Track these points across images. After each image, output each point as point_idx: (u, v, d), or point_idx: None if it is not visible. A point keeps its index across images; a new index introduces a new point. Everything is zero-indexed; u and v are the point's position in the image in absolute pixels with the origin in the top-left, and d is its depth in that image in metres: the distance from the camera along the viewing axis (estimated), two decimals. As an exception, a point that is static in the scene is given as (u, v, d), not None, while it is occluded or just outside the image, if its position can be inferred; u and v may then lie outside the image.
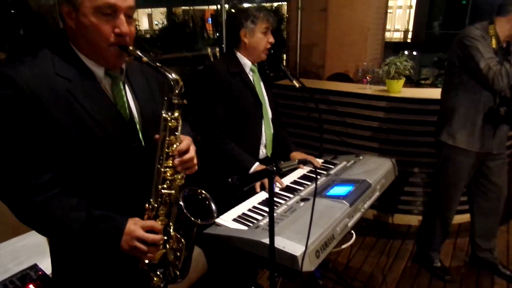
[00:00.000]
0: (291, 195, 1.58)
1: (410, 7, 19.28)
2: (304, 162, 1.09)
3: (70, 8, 0.93)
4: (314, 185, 1.68)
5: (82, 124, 0.96)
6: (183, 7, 20.53)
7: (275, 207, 1.49)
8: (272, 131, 1.92)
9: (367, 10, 4.60)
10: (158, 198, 1.02)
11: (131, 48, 0.97)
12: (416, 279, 2.44)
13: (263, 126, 1.87)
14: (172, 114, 0.99)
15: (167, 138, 0.99)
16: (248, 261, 1.27)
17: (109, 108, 1.01)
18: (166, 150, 0.99)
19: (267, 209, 1.46)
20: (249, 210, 1.49)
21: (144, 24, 22.87)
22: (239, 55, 1.80)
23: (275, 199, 1.58)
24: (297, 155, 1.94)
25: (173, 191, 1.02)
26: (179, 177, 1.02)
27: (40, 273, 1.69)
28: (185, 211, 1.00)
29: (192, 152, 1.04)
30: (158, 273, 1.07)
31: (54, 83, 0.94)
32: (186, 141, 1.03)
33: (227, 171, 1.46)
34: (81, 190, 1.00)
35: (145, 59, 0.97)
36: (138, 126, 1.06)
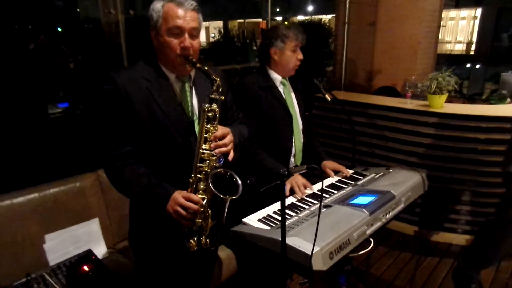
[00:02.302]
0: (315, 201, 1.69)
1: (475, 18, 18.27)
2: (313, 169, 1.20)
3: (155, 32, 1.32)
4: (339, 193, 1.77)
5: (153, 113, 1.30)
6: (238, 20, 21.30)
7: (297, 211, 1.61)
8: (302, 141, 2.03)
9: (418, 25, 4.55)
10: (197, 174, 1.27)
11: (190, 57, 1.29)
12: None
13: (293, 137, 1.98)
14: (210, 106, 1.25)
15: (205, 126, 1.25)
16: (267, 259, 1.39)
17: (175, 104, 1.34)
18: (205, 135, 1.25)
19: (291, 213, 1.59)
20: (274, 212, 1.61)
21: (202, 37, 24.02)
22: (270, 70, 1.94)
23: (300, 204, 1.70)
24: (328, 164, 2.03)
25: (208, 169, 1.26)
26: (214, 158, 1.26)
27: (93, 257, 1.94)
28: (211, 186, 1.20)
29: (226, 140, 1.30)
30: (194, 238, 1.29)
31: (140, 83, 1.31)
32: (222, 130, 1.29)
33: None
34: (148, 163, 1.33)
35: (198, 65, 1.29)
36: (195, 120, 1.37)
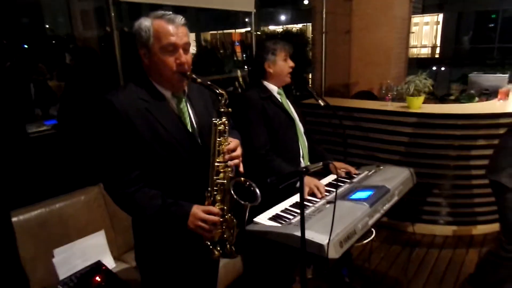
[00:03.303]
0: (317, 199, 1.81)
1: (437, 23, 19.23)
2: (327, 165, 1.32)
3: (145, 50, 1.29)
4: (338, 190, 1.91)
5: (156, 133, 1.29)
6: (211, 32, 21.45)
7: (305, 209, 1.73)
8: (306, 143, 2.17)
9: (389, 32, 4.84)
10: (214, 186, 1.29)
11: (189, 73, 1.29)
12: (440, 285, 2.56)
13: (298, 140, 2.13)
14: (220, 120, 1.27)
15: (218, 139, 1.27)
16: (282, 254, 1.50)
17: (175, 120, 1.34)
18: (218, 148, 1.27)
19: (297, 210, 1.71)
20: (282, 211, 1.73)
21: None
22: (266, 83, 2.08)
23: (306, 202, 1.82)
24: (337, 164, 2.16)
25: (224, 181, 1.29)
26: (229, 169, 1.29)
27: (103, 267, 1.98)
28: (234, 195, 1.26)
29: (238, 151, 1.32)
30: (218, 248, 1.34)
31: (137, 104, 1.28)
32: (234, 142, 1.32)
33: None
34: (158, 182, 1.32)
35: (199, 80, 1.29)
36: (196, 133, 1.38)
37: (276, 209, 1.75)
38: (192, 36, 21.24)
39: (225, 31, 20.50)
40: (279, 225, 1.59)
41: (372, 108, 3.16)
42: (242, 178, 1.33)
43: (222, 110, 1.27)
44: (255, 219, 1.66)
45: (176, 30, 1.25)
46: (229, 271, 2.27)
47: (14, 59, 5.40)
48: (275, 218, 1.67)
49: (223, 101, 1.27)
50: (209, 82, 1.30)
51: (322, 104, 2.15)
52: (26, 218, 1.95)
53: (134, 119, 1.25)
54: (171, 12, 1.28)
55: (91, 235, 2.15)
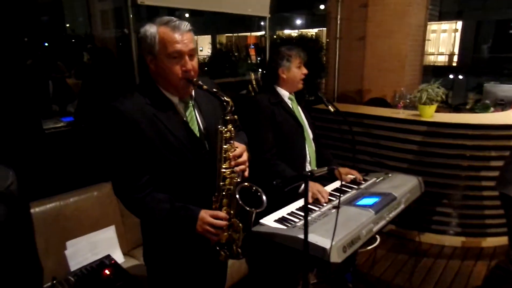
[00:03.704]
0: (324, 204, 1.84)
1: (456, 30, 18.99)
2: (332, 170, 1.35)
3: (151, 57, 1.30)
4: (345, 196, 1.93)
5: (165, 138, 1.30)
6: (226, 35, 21.63)
7: (310, 212, 1.75)
8: (314, 148, 2.20)
9: (404, 39, 4.82)
10: (221, 192, 1.32)
11: (195, 79, 1.30)
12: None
13: (306, 145, 2.16)
14: (226, 127, 1.28)
15: (224, 146, 1.29)
16: (286, 256, 1.52)
17: (183, 125, 1.35)
18: (224, 155, 1.30)
19: (302, 213, 1.74)
20: (288, 214, 1.75)
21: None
22: (278, 88, 2.13)
23: (312, 206, 1.84)
24: (342, 170, 2.19)
25: (231, 186, 1.32)
26: (235, 175, 1.32)
27: (112, 261, 2.04)
28: (240, 201, 1.29)
29: (244, 157, 1.35)
30: (225, 250, 1.38)
31: (145, 110, 1.29)
32: (240, 148, 1.35)
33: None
34: (166, 187, 1.34)
35: (205, 87, 1.29)
36: (204, 137, 1.39)
37: (283, 212, 1.78)
38: (208, 38, 21.46)
39: (240, 34, 20.64)
40: (285, 227, 1.62)
41: (383, 115, 3.16)
42: (248, 184, 1.36)
43: (228, 118, 1.28)
44: (261, 221, 1.70)
45: (181, 37, 1.26)
46: (234, 271, 2.30)
47: (35, 56, 5.57)
48: (281, 220, 1.70)
49: (228, 108, 1.28)
50: (215, 90, 1.31)
51: (332, 110, 2.17)
52: (42, 210, 2.03)
53: (142, 125, 1.27)
54: (176, 19, 1.29)
55: (102, 230, 2.21)
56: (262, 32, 17.06)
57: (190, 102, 1.41)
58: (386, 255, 3.01)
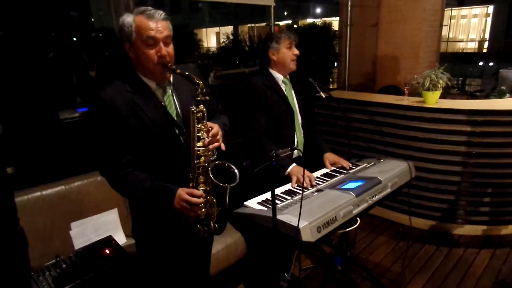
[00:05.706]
0: (309, 188, 1.88)
1: (487, 15, 18.11)
2: (294, 149, 1.38)
3: (129, 44, 1.40)
4: (332, 180, 1.96)
5: (143, 122, 1.40)
6: (248, 25, 21.59)
7: (293, 195, 1.80)
8: (302, 134, 2.23)
9: (419, 24, 4.70)
10: (196, 169, 1.40)
11: (169, 64, 1.38)
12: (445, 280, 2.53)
13: (295, 130, 2.19)
14: (198, 107, 1.36)
15: (197, 126, 1.37)
16: (263, 236, 1.58)
17: (161, 110, 1.44)
18: (198, 134, 1.38)
19: (287, 196, 1.79)
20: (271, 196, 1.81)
21: (212, 42, 24.43)
22: (272, 71, 2.15)
23: (297, 190, 1.89)
24: (329, 156, 2.21)
25: (206, 164, 1.40)
26: (209, 153, 1.39)
27: (113, 242, 2.16)
28: (212, 177, 1.36)
29: (219, 135, 1.43)
30: (203, 225, 1.46)
31: (125, 96, 1.39)
32: (215, 127, 1.43)
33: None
34: (147, 167, 1.44)
35: (178, 71, 1.38)
36: (181, 120, 1.47)
37: (267, 195, 1.83)
38: (230, 29, 21.48)
39: (260, 24, 20.53)
40: (265, 209, 1.68)
41: (386, 102, 3.12)
42: (220, 161, 1.42)
43: (199, 98, 1.37)
44: (246, 203, 1.76)
45: (155, 24, 1.35)
46: (231, 253, 2.39)
47: (59, 50, 5.80)
48: (264, 202, 1.76)
49: (199, 90, 1.36)
50: (187, 73, 1.39)
51: (323, 96, 2.19)
52: (48, 193, 2.18)
53: (121, 110, 1.36)
54: (152, 8, 1.38)
55: (105, 212, 2.35)
56: (285, 22, 16.92)
57: (169, 87, 1.49)
58: (388, 242, 3.01)
